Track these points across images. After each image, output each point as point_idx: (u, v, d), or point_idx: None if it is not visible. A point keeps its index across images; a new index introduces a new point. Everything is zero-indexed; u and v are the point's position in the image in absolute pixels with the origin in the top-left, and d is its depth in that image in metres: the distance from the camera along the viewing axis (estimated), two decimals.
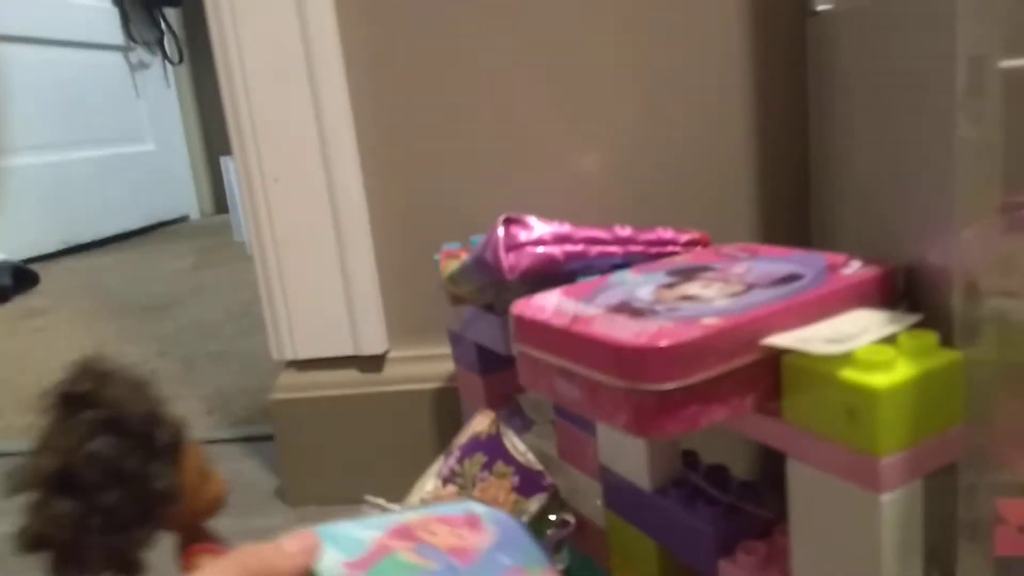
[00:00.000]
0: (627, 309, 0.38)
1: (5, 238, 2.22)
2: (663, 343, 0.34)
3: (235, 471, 0.86)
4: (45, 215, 2.56)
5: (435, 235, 0.70)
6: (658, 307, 0.38)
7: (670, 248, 0.51)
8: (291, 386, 0.77)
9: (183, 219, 3.24)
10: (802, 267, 0.41)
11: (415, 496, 0.55)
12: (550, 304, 0.41)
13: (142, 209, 3.00)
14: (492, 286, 0.53)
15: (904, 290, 0.40)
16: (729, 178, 0.67)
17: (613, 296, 0.40)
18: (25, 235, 2.36)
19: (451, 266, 0.57)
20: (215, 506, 0.47)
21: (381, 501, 0.52)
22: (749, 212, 0.67)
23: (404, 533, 0.50)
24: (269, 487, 0.82)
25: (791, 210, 0.66)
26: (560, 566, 0.59)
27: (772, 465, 0.61)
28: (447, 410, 0.72)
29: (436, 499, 0.55)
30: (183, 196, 3.25)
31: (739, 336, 0.35)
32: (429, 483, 0.55)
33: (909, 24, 0.39)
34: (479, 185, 0.71)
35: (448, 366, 0.73)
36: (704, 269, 0.44)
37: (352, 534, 0.48)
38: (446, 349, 0.72)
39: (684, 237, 0.51)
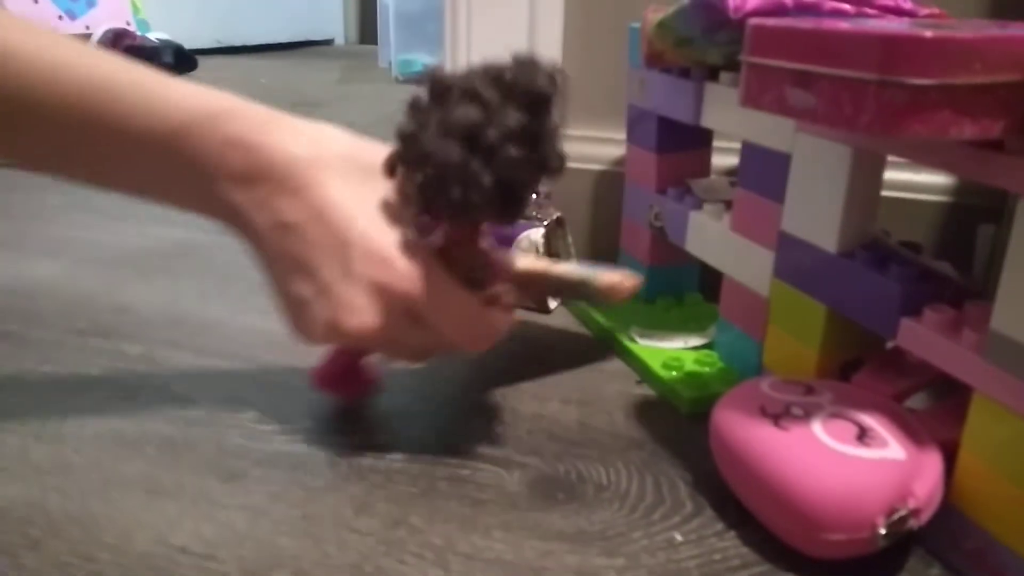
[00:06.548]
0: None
1: (162, 23, 2.31)
2: (928, 34, 0.32)
3: None
4: (201, 10, 2.64)
5: (627, 10, 0.68)
6: None
7: (906, 19, 0.48)
8: None
9: (328, 42, 3.29)
10: None
11: None
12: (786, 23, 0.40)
13: (292, 23, 3.06)
14: (704, 35, 0.51)
15: None
16: None
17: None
18: (181, 25, 2.45)
19: (658, 17, 0.56)
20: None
21: None
22: None
23: None
24: None
25: None
26: (705, 340, 0.60)
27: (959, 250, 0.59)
28: (608, 192, 0.73)
29: None
30: (331, 19, 3.29)
31: (1008, 50, 0.33)
32: None
33: None
34: None
35: (615, 151, 0.73)
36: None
37: None
38: (615, 134, 0.72)
39: (923, 11, 0.49)
